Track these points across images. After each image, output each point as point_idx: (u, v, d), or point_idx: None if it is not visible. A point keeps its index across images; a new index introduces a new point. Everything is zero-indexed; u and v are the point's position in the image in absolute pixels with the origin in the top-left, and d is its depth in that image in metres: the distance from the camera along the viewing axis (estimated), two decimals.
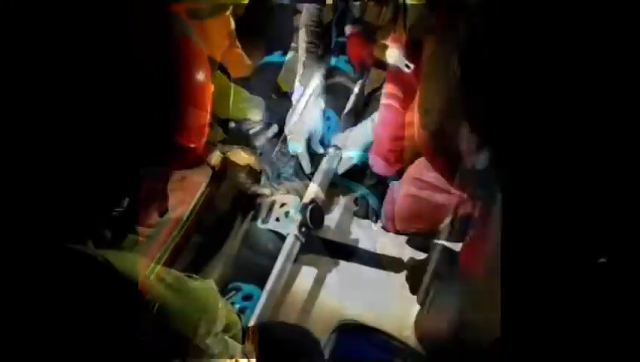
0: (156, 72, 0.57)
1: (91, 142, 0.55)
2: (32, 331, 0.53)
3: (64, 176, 0.56)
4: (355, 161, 1.39)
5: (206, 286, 0.67)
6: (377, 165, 1.33)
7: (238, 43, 1.36)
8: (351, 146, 1.39)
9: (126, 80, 0.56)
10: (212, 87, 0.63)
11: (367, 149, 1.36)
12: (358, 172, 1.40)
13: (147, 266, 0.60)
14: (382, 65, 1.31)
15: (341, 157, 1.40)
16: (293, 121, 1.39)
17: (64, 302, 0.54)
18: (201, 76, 0.61)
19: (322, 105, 1.38)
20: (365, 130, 1.37)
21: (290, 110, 1.40)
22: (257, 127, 1.38)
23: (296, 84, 1.39)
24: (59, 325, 0.54)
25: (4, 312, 0.53)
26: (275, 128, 1.40)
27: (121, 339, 0.55)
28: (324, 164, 1.38)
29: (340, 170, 1.40)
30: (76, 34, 0.55)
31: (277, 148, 1.39)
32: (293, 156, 1.39)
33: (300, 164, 1.41)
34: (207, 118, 0.62)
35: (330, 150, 1.40)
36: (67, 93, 0.54)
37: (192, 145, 0.61)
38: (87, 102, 0.54)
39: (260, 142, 1.39)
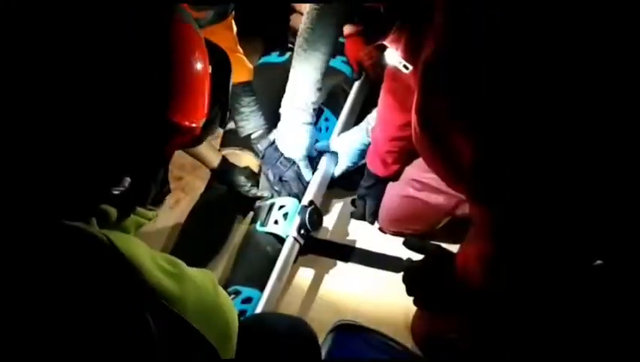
0: (154, 53, 0.59)
1: (88, 117, 0.56)
2: (30, 311, 0.54)
3: (61, 153, 0.57)
4: (352, 162, 1.40)
5: (204, 273, 0.68)
6: (375, 166, 1.33)
7: (239, 47, 1.37)
8: (349, 147, 1.39)
9: (123, 61, 0.57)
10: (209, 70, 0.65)
11: (364, 150, 1.36)
12: (356, 173, 1.40)
13: (148, 251, 0.61)
14: (380, 65, 1.31)
15: (339, 159, 1.40)
16: (284, 138, 1.37)
17: (64, 281, 0.55)
18: (198, 60, 0.63)
19: (312, 118, 1.35)
20: (363, 132, 1.37)
21: (279, 126, 1.38)
22: (258, 131, 1.38)
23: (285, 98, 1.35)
24: (58, 304, 0.54)
25: (2, 292, 0.54)
26: (275, 132, 1.39)
27: (121, 321, 0.55)
28: (321, 166, 1.38)
29: (338, 172, 1.40)
30: (75, 14, 0.57)
31: (279, 154, 1.38)
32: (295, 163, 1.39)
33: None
34: (205, 100, 0.65)
35: (328, 152, 1.40)
36: (66, 73, 0.55)
37: (192, 125, 0.62)
38: (84, 80, 0.56)
39: (261, 146, 1.38)
